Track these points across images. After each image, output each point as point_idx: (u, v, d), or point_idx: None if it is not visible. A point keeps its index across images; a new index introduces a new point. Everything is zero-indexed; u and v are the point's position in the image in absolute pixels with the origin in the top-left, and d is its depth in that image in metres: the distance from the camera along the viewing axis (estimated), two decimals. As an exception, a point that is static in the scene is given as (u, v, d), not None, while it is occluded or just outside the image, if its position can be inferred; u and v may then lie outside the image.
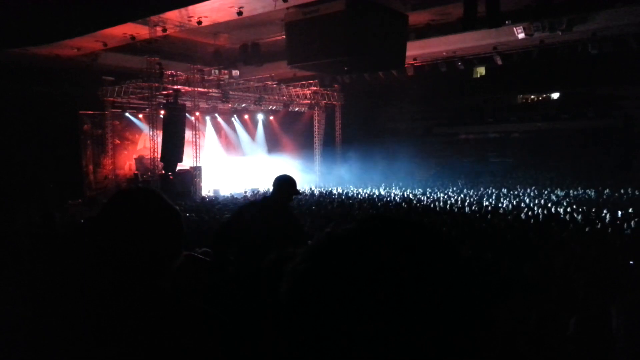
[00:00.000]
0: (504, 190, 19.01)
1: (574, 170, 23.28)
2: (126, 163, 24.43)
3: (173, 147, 20.27)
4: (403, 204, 15.66)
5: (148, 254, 1.37)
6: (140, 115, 24.44)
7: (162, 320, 1.33)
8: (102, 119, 23.32)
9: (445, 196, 17.86)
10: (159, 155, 20.96)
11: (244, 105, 25.52)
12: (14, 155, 19.43)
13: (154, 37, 19.32)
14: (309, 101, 26.63)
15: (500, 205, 15.04)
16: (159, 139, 21.04)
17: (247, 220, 4.33)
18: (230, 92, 23.00)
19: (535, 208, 14.00)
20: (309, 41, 15.99)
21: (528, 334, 3.87)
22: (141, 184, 20.70)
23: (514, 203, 15.12)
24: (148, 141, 22.55)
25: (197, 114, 23.65)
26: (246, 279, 3.29)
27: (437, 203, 15.85)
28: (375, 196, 18.54)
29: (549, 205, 14.62)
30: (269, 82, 23.64)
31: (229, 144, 28.75)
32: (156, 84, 20.38)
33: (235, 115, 28.29)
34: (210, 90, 22.46)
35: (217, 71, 22.38)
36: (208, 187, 23.35)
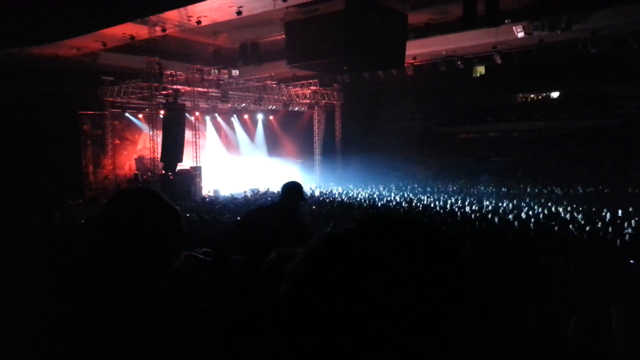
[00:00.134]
0: (504, 190, 19.01)
1: (573, 169, 23.27)
2: (126, 163, 24.43)
3: (173, 147, 20.26)
4: (403, 204, 15.66)
5: (148, 254, 1.37)
6: (140, 115, 24.43)
7: (162, 320, 1.33)
8: (101, 119, 23.31)
9: (446, 196, 17.86)
10: (159, 156, 20.95)
11: (243, 105, 25.52)
12: (13, 155, 19.43)
13: (153, 37, 19.32)
14: (308, 101, 26.62)
15: (500, 204, 15.04)
16: (159, 139, 21.04)
17: (254, 224, 4.35)
18: (230, 92, 22.99)
19: (536, 208, 14.00)
20: (309, 41, 15.98)
21: (528, 334, 3.87)
22: (141, 184, 20.70)
23: (514, 203, 15.11)
24: (148, 141, 22.54)
25: (197, 113, 23.64)
26: (248, 280, 3.29)
27: (437, 203, 15.86)
28: (375, 196, 18.54)
29: (549, 204, 14.62)
30: (269, 82, 23.63)
31: (229, 144, 28.75)
32: (156, 84, 20.37)
33: (235, 115, 28.28)
34: (210, 90, 22.46)
35: (216, 71, 22.36)
36: (208, 187, 23.34)
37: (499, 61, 22.81)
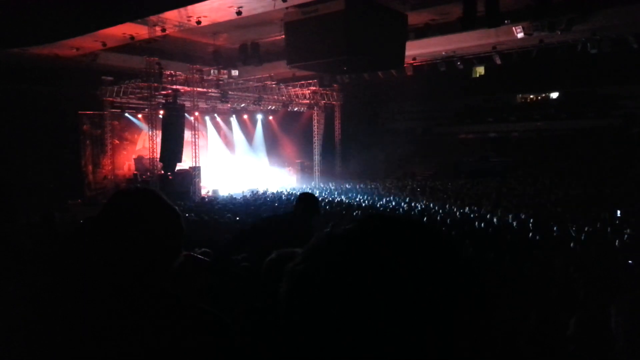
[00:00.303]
0: (504, 190, 19.01)
1: (573, 169, 23.27)
2: (125, 163, 24.43)
3: (172, 147, 20.26)
4: (403, 204, 15.66)
5: (148, 254, 1.37)
6: (140, 115, 24.43)
7: (162, 320, 1.33)
8: (101, 119, 23.31)
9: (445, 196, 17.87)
10: (158, 156, 20.95)
11: (243, 105, 25.52)
12: (13, 155, 19.42)
13: (153, 37, 19.32)
14: (308, 101, 26.62)
15: (499, 204, 15.03)
16: (158, 139, 21.04)
17: (266, 231, 4.36)
18: (230, 92, 22.99)
19: (535, 207, 13.99)
20: (308, 41, 15.99)
21: (528, 334, 3.87)
22: (140, 184, 20.69)
23: (514, 202, 15.11)
24: (147, 141, 22.53)
25: (197, 114, 23.64)
26: (249, 280, 3.29)
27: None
28: (375, 195, 18.54)
29: (549, 204, 14.62)
30: (268, 82, 23.63)
31: (228, 144, 28.75)
32: (155, 84, 20.36)
33: (234, 115, 28.29)
34: (210, 90, 22.45)
35: (216, 71, 22.37)
36: (207, 188, 23.35)
37: (498, 61, 22.82)
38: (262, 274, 2.10)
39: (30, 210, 9.88)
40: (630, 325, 1.58)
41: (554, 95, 32.72)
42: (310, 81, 25.14)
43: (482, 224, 10.98)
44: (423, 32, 21.59)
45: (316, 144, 28.16)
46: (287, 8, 16.60)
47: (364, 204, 15.67)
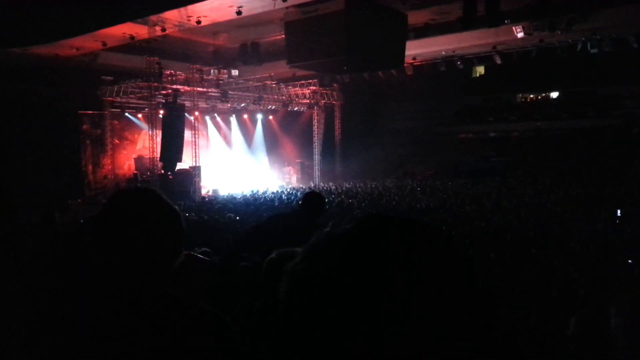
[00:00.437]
0: (504, 190, 19.00)
1: (573, 169, 23.26)
2: (125, 163, 24.43)
3: (172, 147, 20.26)
4: (402, 203, 15.66)
5: (148, 254, 1.37)
6: (140, 115, 24.43)
7: (162, 320, 1.33)
8: (101, 118, 23.31)
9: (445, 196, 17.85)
10: (158, 155, 20.95)
11: (243, 104, 25.53)
12: (13, 154, 19.43)
13: (153, 37, 19.33)
14: (308, 101, 26.62)
15: (500, 204, 15.02)
16: (158, 139, 21.05)
17: (272, 230, 4.36)
18: (230, 92, 22.99)
19: (535, 207, 13.99)
20: (309, 41, 15.99)
21: (528, 334, 3.87)
22: (140, 184, 20.69)
23: (514, 202, 15.11)
24: (147, 141, 22.54)
25: (197, 113, 23.65)
26: (250, 280, 3.29)
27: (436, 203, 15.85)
28: (375, 195, 18.53)
29: (549, 204, 14.62)
30: (268, 82, 23.63)
31: (229, 143, 28.75)
32: (155, 84, 20.37)
33: (234, 115, 28.29)
34: (210, 90, 22.45)
35: (216, 71, 22.37)
36: (207, 187, 23.35)
37: (498, 61, 22.83)
38: (262, 273, 2.10)
39: (30, 210, 9.89)
40: (630, 325, 1.58)
41: (554, 95, 32.72)
42: (310, 81, 25.14)
43: (483, 224, 10.98)
44: (423, 31, 21.59)
45: (316, 143, 28.17)
46: (287, 8, 16.61)
47: (363, 204, 15.66)
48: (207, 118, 27.27)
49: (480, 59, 23.72)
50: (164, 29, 18.81)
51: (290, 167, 29.01)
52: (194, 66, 21.58)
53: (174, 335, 1.31)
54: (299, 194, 18.55)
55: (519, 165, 26.07)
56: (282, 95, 25.17)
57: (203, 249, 4.85)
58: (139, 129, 24.83)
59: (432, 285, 0.64)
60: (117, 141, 24.06)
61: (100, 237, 1.40)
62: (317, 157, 28.20)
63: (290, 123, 29.37)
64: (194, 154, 22.13)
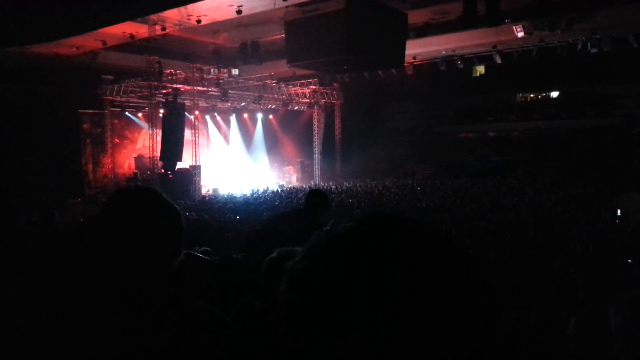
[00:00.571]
0: (504, 189, 18.99)
1: (573, 168, 23.26)
2: (125, 162, 24.43)
3: (172, 146, 20.26)
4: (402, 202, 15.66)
5: (148, 253, 1.37)
6: (140, 114, 24.43)
7: (162, 319, 1.33)
8: (101, 117, 23.31)
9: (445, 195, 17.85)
10: (159, 154, 20.96)
11: (243, 104, 25.52)
12: (13, 154, 19.43)
13: (153, 36, 19.32)
14: (308, 100, 26.62)
15: (499, 203, 15.03)
16: (159, 138, 21.04)
17: (276, 230, 4.36)
18: (230, 91, 22.99)
19: (535, 207, 13.99)
20: (309, 40, 15.98)
21: (528, 333, 3.88)
22: (140, 183, 20.69)
23: (514, 202, 15.11)
24: (147, 140, 22.55)
25: (197, 112, 23.65)
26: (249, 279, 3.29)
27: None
28: (375, 194, 18.53)
29: (549, 204, 14.62)
30: (269, 81, 23.62)
31: (229, 143, 28.75)
32: (155, 83, 20.36)
33: (234, 114, 28.29)
34: (210, 89, 22.45)
35: (216, 70, 22.35)
36: (207, 186, 23.36)
37: (499, 61, 22.82)
38: (262, 272, 2.10)
39: (30, 209, 9.89)
40: (630, 324, 1.58)
41: (554, 94, 32.71)
42: (311, 80, 25.14)
43: (483, 223, 10.99)
44: (423, 31, 21.58)
45: (316, 143, 28.16)
46: (287, 7, 16.60)
47: (363, 203, 15.66)
48: (207, 117, 27.27)
49: (481, 58, 23.72)
50: (164, 28, 18.80)
51: (290, 167, 29.01)
52: (194, 65, 21.57)
53: (174, 335, 1.31)
54: (300, 193, 18.56)
55: (518, 165, 26.06)
56: (282, 95, 25.16)
57: (203, 248, 4.86)
58: (139, 128, 24.83)
59: (432, 285, 0.64)
60: (117, 140, 24.06)
61: (100, 237, 1.40)
62: (317, 156, 28.20)
63: (290, 122, 29.37)
64: (194, 153, 22.13)
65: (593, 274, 5.62)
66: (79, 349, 1.24)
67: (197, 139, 22.50)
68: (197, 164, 22.17)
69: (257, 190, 20.90)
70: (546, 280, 5.69)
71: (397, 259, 0.65)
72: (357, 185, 23.10)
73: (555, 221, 11.04)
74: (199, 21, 18.31)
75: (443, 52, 22.89)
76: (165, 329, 1.31)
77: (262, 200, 17.30)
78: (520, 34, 19.17)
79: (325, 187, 22.58)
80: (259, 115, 29.03)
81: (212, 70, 22.26)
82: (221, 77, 22.48)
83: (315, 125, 28.16)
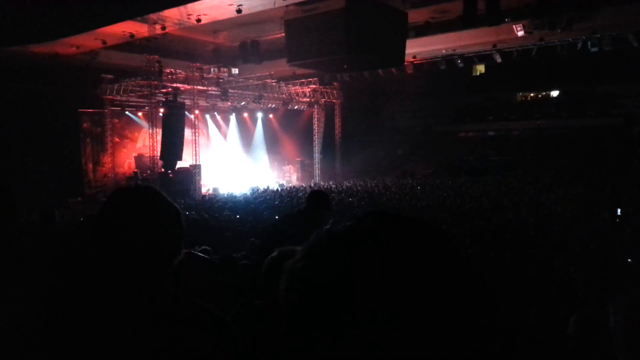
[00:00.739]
0: (504, 189, 18.99)
1: (573, 168, 23.26)
2: (125, 161, 24.43)
3: (172, 145, 20.26)
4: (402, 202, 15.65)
5: (148, 252, 1.37)
6: (140, 114, 24.44)
7: (162, 319, 1.33)
8: (101, 117, 23.32)
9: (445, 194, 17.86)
10: (159, 154, 20.96)
11: (243, 103, 25.52)
12: (13, 153, 19.43)
13: (153, 35, 19.31)
14: (308, 99, 26.62)
15: (499, 203, 15.02)
16: (159, 137, 21.05)
17: (282, 232, 4.38)
18: (230, 90, 22.98)
19: (535, 206, 13.98)
20: (309, 39, 15.98)
21: (528, 333, 3.88)
22: (141, 182, 20.68)
23: (514, 201, 15.10)
24: (147, 139, 22.55)
25: (197, 112, 23.65)
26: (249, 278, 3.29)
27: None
28: (375, 193, 18.53)
29: (549, 203, 14.61)
30: (269, 80, 23.61)
31: (229, 142, 28.76)
32: (155, 82, 20.36)
33: (234, 114, 28.29)
34: (210, 89, 22.45)
35: (216, 69, 22.35)
36: (207, 186, 23.36)
37: (499, 60, 22.81)
38: (262, 272, 2.10)
39: (30, 208, 9.90)
40: (629, 324, 1.58)
41: (554, 93, 32.71)
42: (311, 79, 25.14)
43: (482, 223, 10.98)
44: (423, 30, 21.57)
45: (316, 142, 28.17)
46: (287, 6, 16.60)
47: (363, 202, 15.66)
48: (207, 116, 27.28)
49: (481, 57, 23.71)
50: (164, 27, 18.80)
51: (291, 166, 29.01)
52: (194, 64, 21.57)
53: (174, 334, 1.31)
54: (300, 193, 18.55)
55: (518, 164, 26.07)
56: (282, 94, 25.16)
57: (203, 247, 4.86)
58: (139, 127, 24.84)
59: (432, 284, 0.64)
60: (117, 139, 24.06)
61: (100, 236, 1.40)
62: (317, 155, 28.21)
63: (290, 121, 29.38)
64: (194, 153, 22.14)
65: (593, 274, 5.62)
66: (79, 349, 1.24)
67: (197, 138, 22.50)
68: (197, 163, 22.18)
69: (257, 189, 20.90)
70: (546, 279, 5.69)
71: (397, 257, 0.64)
72: (357, 184, 23.10)
73: (555, 221, 11.03)
74: (199, 20, 18.30)
75: (443, 51, 22.89)
76: (165, 328, 1.31)
77: (262, 199, 17.30)
78: (521, 33, 19.17)
79: (325, 186, 22.59)
80: (259, 115, 29.03)
81: (212, 70, 22.25)
82: (221, 77, 22.47)
83: (315, 125, 28.16)
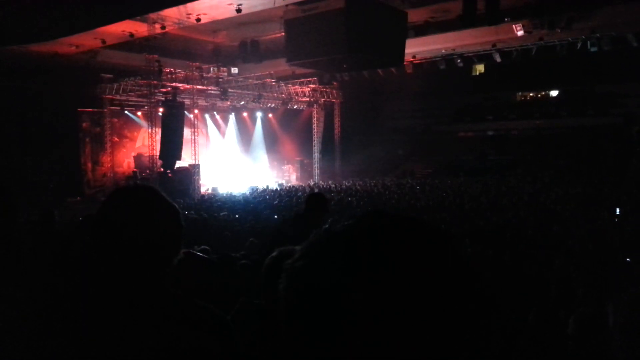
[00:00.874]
0: (503, 188, 18.99)
1: (573, 167, 23.27)
2: (125, 161, 24.42)
3: (172, 145, 20.25)
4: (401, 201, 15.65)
5: (147, 252, 1.37)
6: (139, 113, 24.42)
7: (161, 318, 1.33)
8: (100, 116, 23.30)
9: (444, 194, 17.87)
10: (158, 153, 20.94)
11: (242, 102, 25.50)
12: (12, 152, 19.41)
13: (152, 35, 19.31)
14: (308, 99, 26.60)
15: (499, 202, 15.02)
16: (158, 137, 21.03)
17: (280, 236, 4.39)
18: (229, 90, 22.97)
19: (534, 206, 13.98)
20: (308, 39, 15.98)
21: (527, 333, 3.88)
22: (140, 182, 20.67)
23: (513, 201, 15.11)
24: (147, 139, 22.54)
25: (196, 111, 23.64)
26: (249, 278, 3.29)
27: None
28: (374, 193, 18.53)
29: (548, 203, 14.61)
30: (268, 80, 23.61)
31: (228, 141, 28.75)
32: (155, 82, 20.35)
33: (233, 113, 28.28)
34: (209, 88, 22.44)
35: (215, 69, 22.35)
36: (207, 185, 23.36)
37: (498, 59, 22.82)
38: (263, 271, 2.10)
39: (29, 208, 9.89)
40: (629, 323, 1.58)
41: (554, 93, 32.72)
42: (310, 79, 25.13)
43: (482, 222, 10.98)
44: (423, 29, 21.58)
45: (316, 141, 28.16)
46: (287, 5, 16.60)
47: (362, 202, 15.65)
48: (207, 116, 27.26)
49: (480, 57, 23.72)
50: (163, 27, 18.79)
51: (290, 165, 29.00)
52: (194, 64, 21.56)
53: (174, 334, 1.31)
54: (299, 192, 18.55)
55: (518, 164, 26.09)
56: (282, 94, 25.14)
57: (202, 247, 4.86)
58: (138, 126, 24.82)
59: (431, 283, 0.64)
60: (116, 139, 24.05)
61: (99, 235, 1.40)
62: (316, 155, 28.20)
63: (289, 121, 29.36)
64: (193, 152, 22.13)
65: (592, 273, 5.62)
66: (79, 349, 1.24)
67: (196, 137, 22.49)
68: (197, 162, 22.17)
69: (257, 189, 20.89)
70: (545, 279, 5.69)
71: (396, 257, 0.64)
72: (357, 184, 23.10)
73: (555, 220, 11.03)
74: (198, 20, 18.31)
75: (443, 50, 22.89)
76: (164, 328, 1.31)
77: (261, 199, 17.30)
78: (520, 33, 19.19)
79: (324, 186, 22.60)
80: (259, 114, 29.01)
81: (211, 69, 22.24)
82: (221, 76, 22.47)
83: (315, 124, 28.15)
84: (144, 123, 23.95)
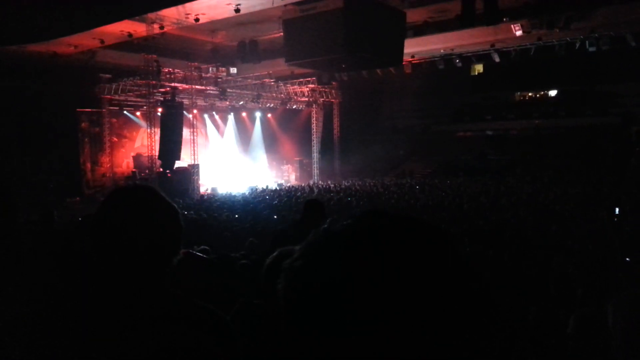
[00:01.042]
0: (502, 188, 19.01)
1: (572, 167, 23.29)
2: (124, 161, 24.42)
3: (171, 145, 20.24)
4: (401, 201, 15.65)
5: (146, 252, 1.36)
6: (138, 113, 24.42)
7: (161, 318, 1.33)
8: (99, 116, 23.30)
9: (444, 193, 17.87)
10: (157, 153, 20.93)
11: (241, 102, 25.50)
12: (11, 153, 19.40)
13: (151, 35, 19.30)
14: (306, 99, 26.61)
15: (498, 202, 15.03)
16: (157, 137, 21.02)
17: (280, 243, 4.40)
18: (228, 90, 22.97)
19: (533, 205, 13.99)
20: (307, 38, 15.98)
21: (526, 333, 3.88)
22: (139, 182, 20.66)
23: (512, 200, 15.11)
24: (146, 139, 22.53)
25: (195, 111, 23.63)
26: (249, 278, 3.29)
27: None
28: (374, 193, 18.53)
29: (547, 202, 14.62)
30: (267, 80, 23.61)
31: (227, 141, 28.75)
32: (153, 82, 20.35)
33: (232, 113, 28.28)
34: (208, 88, 22.43)
35: (214, 69, 22.34)
36: (206, 185, 23.35)
37: (497, 59, 22.82)
38: (263, 271, 2.10)
39: (29, 208, 9.88)
40: (628, 323, 1.58)
41: (553, 93, 32.74)
42: (309, 79, 25.13)
43: (481, 222, 10.99)
44: (422, 29, 21.59)
45: (315, 141, 28.17)
46: (285, 5, 16.59)
47: (362, 202, 15.65)
48: (206, 116, 27.26)
49: (479, 57, 23.73)
50: (162, 27, 18.78)
51: (289, 165, 29.01)
52: (193, 64, 21.56)
53: (174, 334, 1.31)
54: (299, 192, 18.54)
55: (517, 164, 26.10)
56: (281, 93, 25.15)
57: (202, 247, 4.86)
58: (137, 126, 24.82)
59: (431, 283, 0.64)
60: (115, 139, 24.04)
61: (99, 235, 1.40)
62: (315, 155, 28.21)
63: (288, 121, 29.37)
64: (192, 152, 22.12)
65: (592, 273, 5.62)
66: (79, 349, 1.24)
67: (195, 137, 22.49)
68: (196, 162, 22.16)
69: (256, 189, 20.89)
70: (545, 279, 5.70)
71: (396, 256, 0.64)
72: (356, 183, 23.12)
73: (554, 220, 11.04)
74: (197, 20, 18.29)
75: (441, 50, 22.90)
76: (164, 328, 1.31)
77: (261, 199, 17.29)
78: (519, 33, 19.19)
79: (324, 186, 22.61)
80: (258, 114, 29.01)
81: (210, 69, 22.24)
82: (219, 76, 22.47)
83: (314, 124, 28.16)
84: (142, 123, 23.94)
